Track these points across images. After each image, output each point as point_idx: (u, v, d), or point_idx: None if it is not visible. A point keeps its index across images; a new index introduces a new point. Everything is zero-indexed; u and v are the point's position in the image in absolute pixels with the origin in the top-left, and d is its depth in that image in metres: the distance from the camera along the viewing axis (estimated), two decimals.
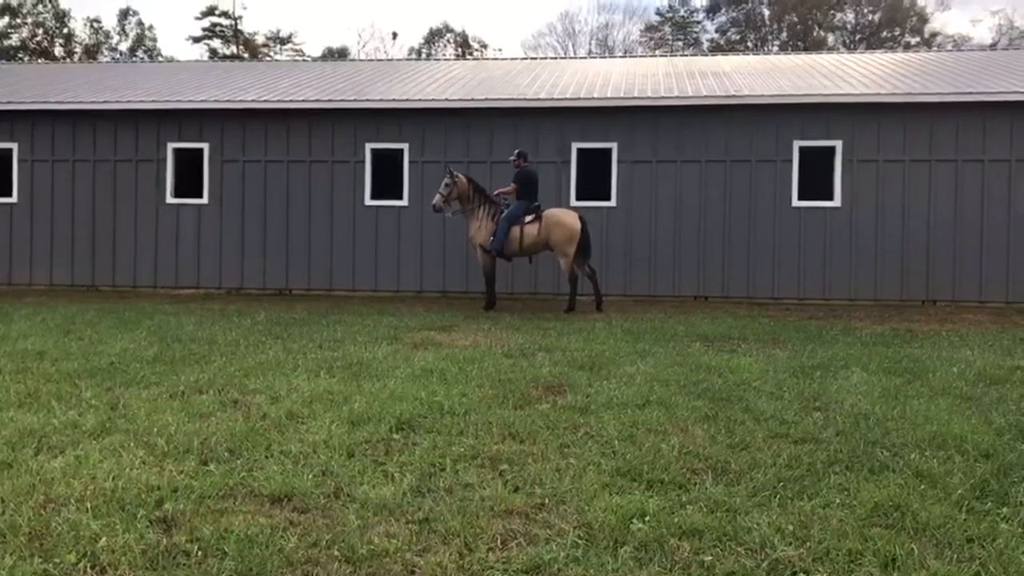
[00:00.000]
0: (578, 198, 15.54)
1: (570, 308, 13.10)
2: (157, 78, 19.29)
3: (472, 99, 15.81)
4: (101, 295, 15.57)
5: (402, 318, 11.94)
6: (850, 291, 15.06)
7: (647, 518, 3.99)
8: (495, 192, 13.76)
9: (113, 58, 61.41)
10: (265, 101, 16.21)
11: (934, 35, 57.46)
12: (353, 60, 28.25)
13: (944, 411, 6.23)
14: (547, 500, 4.32)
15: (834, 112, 15.09)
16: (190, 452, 5.05)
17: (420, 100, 15.88)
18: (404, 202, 16.00)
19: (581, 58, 26.50)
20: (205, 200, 16.43)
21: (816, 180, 15.28)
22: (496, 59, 24.65)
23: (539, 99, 15.68)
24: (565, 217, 13.25)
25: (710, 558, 3.59)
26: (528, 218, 13.19)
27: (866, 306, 14.55)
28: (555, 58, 26.33)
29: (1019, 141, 14.66)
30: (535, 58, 23.62)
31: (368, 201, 16.09)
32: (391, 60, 25.81)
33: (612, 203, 15.54)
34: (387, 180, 16.21)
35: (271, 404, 6.37)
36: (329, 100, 16.04)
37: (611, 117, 15.58)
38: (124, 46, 64.78)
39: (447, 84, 17.47)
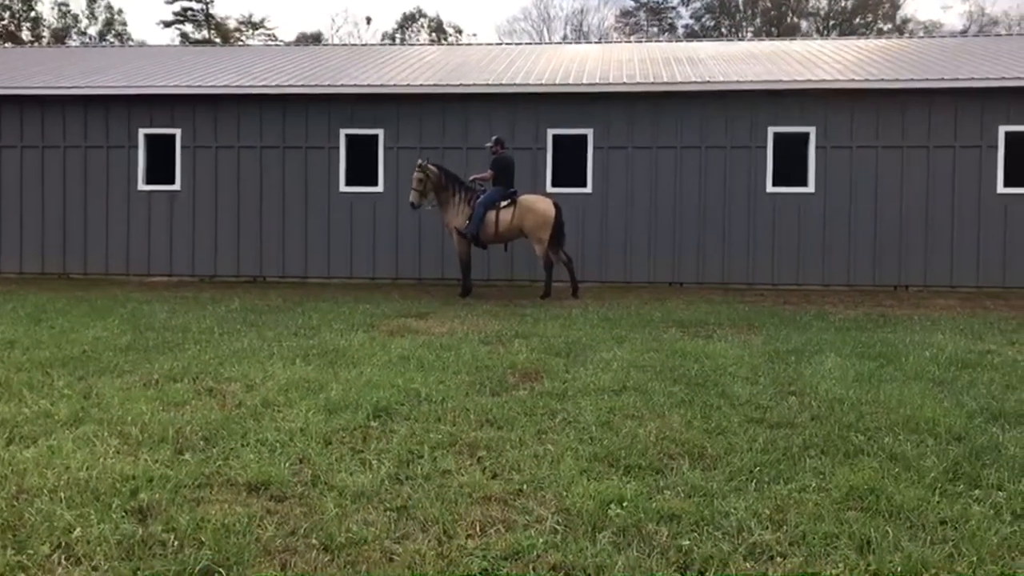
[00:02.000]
0: (554, 184, 15.52)
1: (546, 294, 13.11)
2: (128, 63, 19.02)
3: (447, 84, 15.73)
4: (72, 283, 15.39)
5: (378, 305, 11.89)
6: (823, 277, 15.17)
7: (624, 503, 4.00)
8: (471, 178, 13.71)
9: (82, 42, 60.48)
10: (238, 86, 16.04)
11: (906, 21, 57.91)
12: (327, 45, 28.01)
13: (917, 395, 6.29)
14: (525, 486, 4.32)
15: (808, 98, 15.16)
16: (165, 441, 5.00)
17: (395, 85, 15.78)
18: (379, 188, 15.91)
19: (556, 44, 26.41)
20: (177, 187, 16.26)
21: (790, 166, 15.35)
22: (471, 44, 24.54)
23: (515, 84, 15.62)
24: (539, 203, 13.23)
25: (687, 543, 3.61)
26: (503, 203, 13.17)
27: (840, 291, 14.67)
28: (530, 43, 26.24)
29: (989, 127, 14.78)
30: (510, 44, 23.52)
31: (343, 187, 15.99)
32: (365, 45, 25.61)
33: (588, 189, 15.54)
34: (362, 166, 16.11)
35: (246, 392, 6.33)
36: (303, 85, 15.90)
37: (587, 103, 15.56)
38: (93, 30, 63.89)
39: (422, 69, 17.37)
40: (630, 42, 28.33)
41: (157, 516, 3.86)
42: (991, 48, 18.44)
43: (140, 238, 16.31)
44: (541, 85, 15.54)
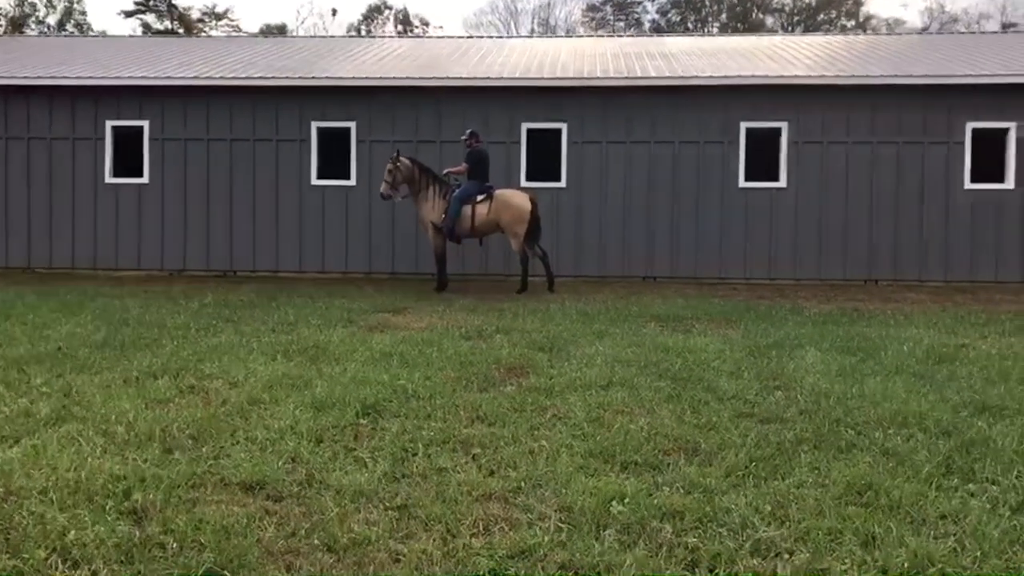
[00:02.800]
0: (528, 179, 15.48)
1: (522, 289, 13.09)
2: (94, 53, 18.68)
3: (421, 77, 15.65)
4: (38, 277, 15.09)
5: (354, 300, 11.79)
6: (795, 271, 15.29)
7: (626, 500, 3.99)
8: (444, 171, 13.64)
9: (41, 32, 59.37)
10: (208, 78, 15.81)
11: (869, 18, 58.58)
12: (296, 37, 27.73)
13: (901, 389, 6.36)
14: (523, 483, 4.30)
15: (781, 94, 15.25)
16: (152, 440, 4.91)
17: (367, 78, 15.64)
18: (352, 182, 15.78)
19: (526, 37, 26.38)
20: (146, 179, 16.00)
21: (762, 161, 15.45)
22: (441, 37, 24.41)
23: (488, 78, 15.55)
24: (515, 198, 13.20)
25: (693, 540, 3.60)
26: (479, 198, 13.11)
27: (811, 286, 14.79)
28: (500, 37, 26.15)
29: (956, 124, 14.97)
30: (480, 37, 23.40)
31: (315, 181, 15.83)
32: (334, 37, 25.34)
33: (562, 184, 15.52)
34: (334, 160, 15.96)
35: (230, 389, 6.24)
36: (274, 77, 15.72)
37: (562, 97, 15.54)
38: (52, 19, 62.76)
39: (394, 61, 17.25)
40: (601, 36, 28.35)
41: (153, 517, 3.77)
42: (958, 45, 18.69)
43: (107, 232, 16.04)
44: (516, 79, 15.49)
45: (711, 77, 15.26)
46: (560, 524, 3.76)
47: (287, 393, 6.11)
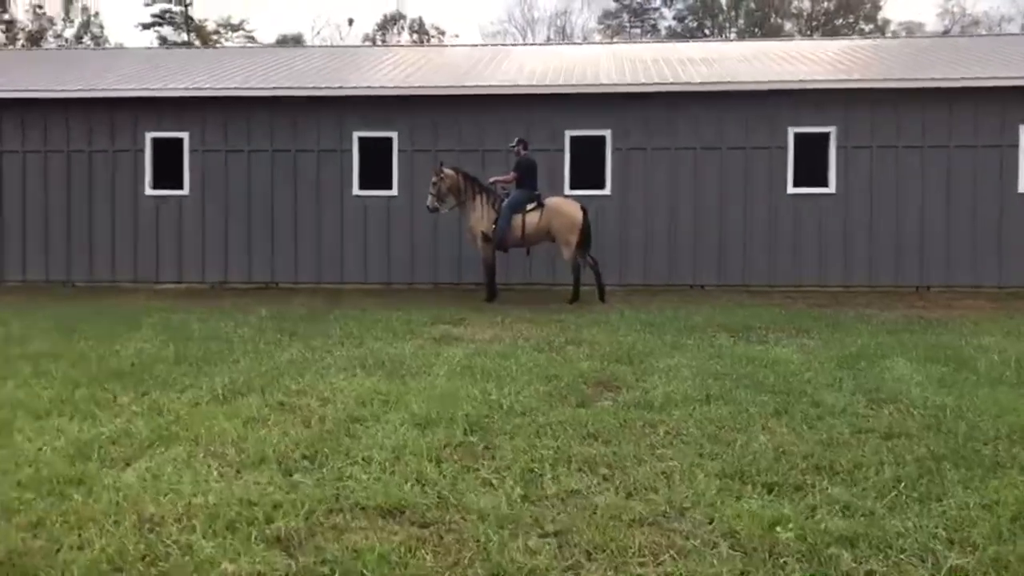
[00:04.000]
0: (572, 187, 15.29)
1: (574, 299, 12.90)
2: (128, 65, 18.61)
3: (463, 85, 15.51)
4: (80, 291, 14.99)
5: (408, 312, 11.62)
6: (845, 277, 15.05)
7: (789, 525, 3.79)
8: (491, 180, 13.47)
9: (59, 45, 59.61)
10: (248, 88, 15.72)
11: (887, 22, 58.30)
12: (325, 46, 27.62)
13: (1012, 400, 6.14)
14: (668, 507, 4.11)
15: (827, 98, 15.04)
16: (265, 461, 4.74)
17: (409, 87, 15.52)
18: (394, 192, 15.63)
19: (568, 44, 26.20)
20: (186, 191, 15.89)
21: (811, 167, 15.23)
22: (470, 46, 24.26)
23: (531, 85, 15.42)
24: (567, 206, 13.03)
25: (880, 567, 3.41)
26: (529, 207, 12.94)
27: (862, 292, 14.55)
28: (533, 44, 26.02)
29: (1010, 126, 14.73)
30: (513, 45, 23.30)
31: (356, 191, 15.69)
32: (365, 47, 25.29)
33: (607, 191, 15.34)
34: (376, 170, 15.81)
35: (323, 406, 6.07)
36: (315, 88, 15.60)
37: (605, 104, 15.37)
38: (69, 32, 63.02)
39: (431, 71, 17.13)
40: (627, 42, 28.21)
41: (302, 546, 3.60)
42: (996, 47, 18.46)
43: (148, 245, 15.92)
44: (559, 85, 15.35)
45: (758, 82, 15.07)
46: (732, 551, 3.56)
47: (383, 410, 5.93)
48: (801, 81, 15.00)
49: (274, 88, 15.68)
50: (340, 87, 15.59)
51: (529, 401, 6.23)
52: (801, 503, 4.12)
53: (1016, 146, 14.78)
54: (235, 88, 15.73)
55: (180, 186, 15.93)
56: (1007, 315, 11.61)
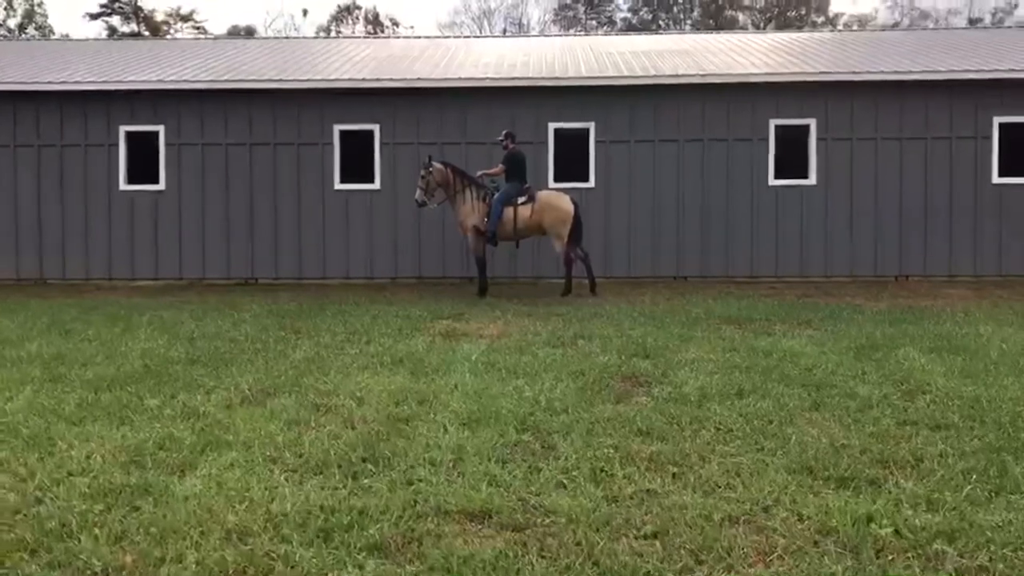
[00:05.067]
0: (556, 179, 15.25)
1: (566, 292, 12.88)
2: (96, 57, 18.13)
3: (446, 78, 15.37)
4: (55, 288, 14.59)
5: (404, 307, 11.50)
6: (826, 268, 15.24)
7: (884, 521, 3.80)
8: (479, 173, 13.38)
9: (1, 36, 57.93)
10: (226, 80, 15.41)
11: (838, 15, 59.15)
12: (297, 38, 27.18)
13: None
14: (752, 505, 4.09)
15: (808, 90, 15.18)
16: (327, 465, 4.64)
17: (391, 79, 15.33)
18: (376, 185, 15.45)
19: (548, 36, 26.10)
20: (162, 186, 15.54)
21: (792, 158, 15.38)
22: (457, 37, 24.09)
23: (515, 78, 15.33)
24: (559, 200, 12.99)
25: (994, 564, 3.42)
26: (520, 200, 12.89)
27: (844, 282, 14.74)
28: (507, 36, 25.92)
29: (984, 119, 15.02)
30: (488, 36, 23.17)
31: (338, 185, 15.48)
32: (338, 37, 25.03)
33: (590, 184, 15.33)
34: (357, 163, 15.61)
35: (359, 407, 5.96)
36: (295, 80, 15.34)
37: (588, 96, 15.35)
38: (12, 23, 61.30)
39: (410, 62, 16.94)
40: (610, 35, 28.26)
41: (403, 553, 3.52)
42: (966, 39, 18.83)
43: (123, 240, 15.55)
44: (543, 78, 15.28)
45: (741, 74, 15.17)
46: (840, 551, 3.56)
47: (422, 409, 5.84)
48: (783, 73, 15.10)
49: (253, 80, 15.40)
50: (322, 79, 15.35)
51: (566, 398, 6.19)
52: (881, 498, 4.13)
53: (990, 137, 15.07)
54: (211, 80, 15.42)
55: (156, 180, 15.57)
56: (991, 303, 11.86)
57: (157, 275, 15.57)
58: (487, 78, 15.31)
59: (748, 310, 10.94)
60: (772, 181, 15.27)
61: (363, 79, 15.31)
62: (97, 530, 3.72)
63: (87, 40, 25.89)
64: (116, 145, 15.52)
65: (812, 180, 15.26)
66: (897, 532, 3.70)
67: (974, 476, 4.41)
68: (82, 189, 15.53)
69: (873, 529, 3.73)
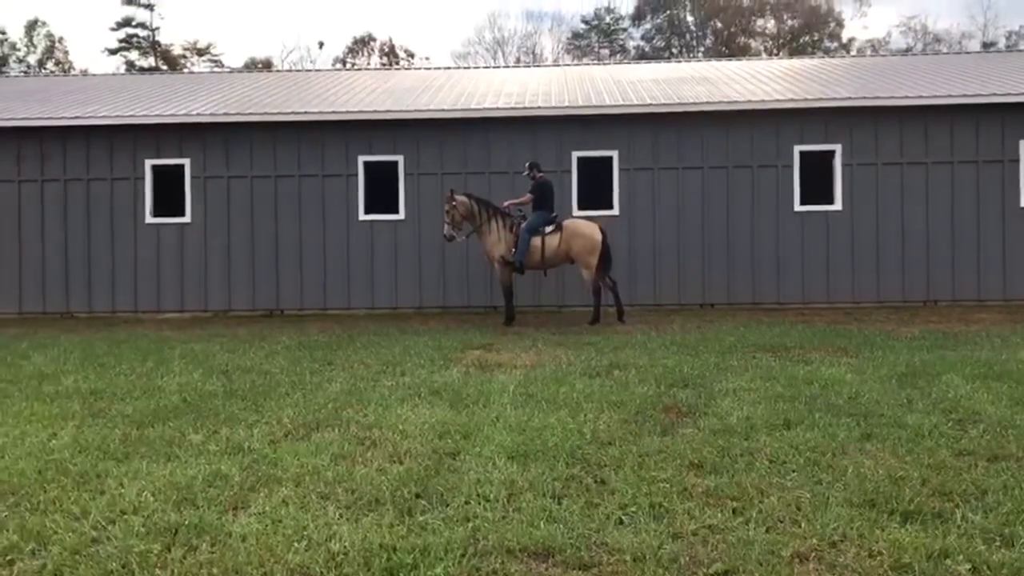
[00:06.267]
0: (580, 207, 15.26)
1: (594, 320, 12.83)
2: (120, 92, 18.32)
3: (469, 108, 15.43)
4: (82, 322, 14.64)
5: (433, 337, 11.46)
6: (853, 294, 15.14)
7: (959, 557, 3.71)
8: (506, 204, 13.38)
9: (23, 71, 58.71)
10: (251, 113, 15.51)
11: (852, 40, 59.24)
12: (318, 70, 27.39)
13: None
14: (818, 541, 4.00)
15: (831, 116, 15.17)
16: (380, 502, 4.58)
17: (415, 110, 15.41)
18: (400, 216, 15.49)
19: (561, 66, 26.24)
20: (187, 219, 15.62)
21: (817, 184, 15.33)
22: (477, 68, 24.24)
23: (538, 107, 15.39)
24: (586, 228, 12.98)
25: None
26: (548, 229, 12.88)
27: (872, 308, 14.64)
28: (527, 65, 26.07)
29: (1011, 142, 14.95)
30: (507, 67, 23.31)
31: (362, 216, 15.52)
32: (360, 69, 25.17)
33: (615, 211, 15.31)
34: (382, 194, 15.66)
35: (403, 440, 5.90)
36: (320, 112, 15.43)
37: (611, 125, 15.37)
38: (33, 58, 62.14)
39: (433, 93, 17.03)
40: (639, 63, 28.41)
41: None
42: (985, 63, 18.81)
43: (149, 273, 15.62)
44: (567, 107, 15.32)
45: (764, 101, 15.16)
46: None
47: (468, 444, 5.78)
48: (808, 100, 15.09)
49: (277, 113, 15.50)
50: (347, 112, 15.43)
51: (611, 429, 6.12)
52: (952, 532, 4.04)
53: (1017, 161, 15.00)
54: (237, 113, 15.52)
55: (182, 213, 15.65)
56: None
57: (183, 307, 15.61)
58: (510, 108, 15.37)
59: (781, 337, 10.86)
60: (797, 207, 15.22)
61: (387, 110, 15.39)
62: (159, 571, 3.67)
63: (108, 75, 26.20)
64: (142, 179, 15.63)
65: (838, 206, 15.21)
66: (974, 569, 3.61)
67: None
68: (108, 222, 15.62)
69: (949, 565, 3.65)
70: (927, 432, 5.91)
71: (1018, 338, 10.63)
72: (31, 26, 61.72)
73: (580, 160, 15.43)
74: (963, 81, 16.41)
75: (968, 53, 33.43)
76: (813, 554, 3.86)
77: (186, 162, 15.61)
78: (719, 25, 58.87)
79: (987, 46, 53.49)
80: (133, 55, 60.87)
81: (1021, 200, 14.99)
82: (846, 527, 4.14)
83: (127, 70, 56.88)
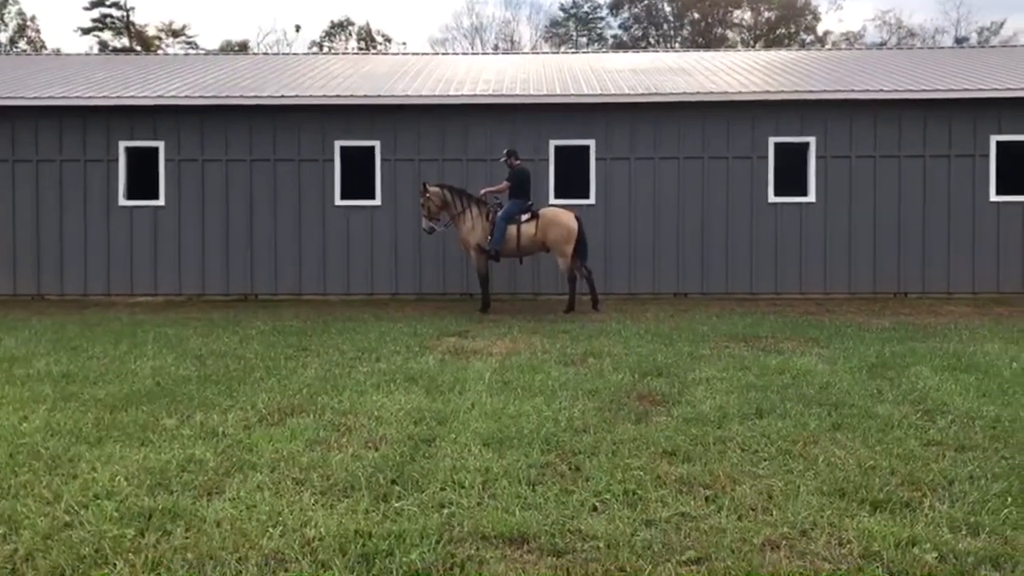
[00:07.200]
0: (556, 195, 15.27)
1: (569, 308, 12.86)
2: (95, 72, 18.09)
3: (447, 95, 15.36)
4: (53, 304, 14.48)
5: (409, 324, 11.46)
6: (825, 284, 15.28)
7: (926, 545, 3.78)
8: (483, 191, 13.38)
9: None
10: (227, 96, 15.37)
11: (828, 33, 59.58)
12: (296, 54, 27.18)
13: None
14: (789, 529, 4.07)
15: (807, 109, 15.27)
16: (355, 488, 4.60)
17: (393, 96, 15.32)
18: (377, 202, 15.43)
19: (539, 53, 26.22)
20: (162, 202, 15.47)
21: (791, 175, 15.44)
22: (456, 54, 24.15)
23: (516, 95, 15.36)
24: (562, 216, 13.00)
25: None
26: (524, 217, 12.89)
27: (843, 299, 14.78)
28: (507, 53, 26.00)
29: (982, 137, 15.12)
30: (484, 54, 23.24)
31: (338, 201, 15.45)
32: (340, 54, 25.01)
33: (591, 200, 15.34)
34: (358, 179, 15.59)
35: (378, 426, 5.92)
36: (296, 96, 15.31)
37: (589, 114, 15.38)
38: (4, 36, 61.18)
39: (412, 79, 16.95)
40: (621, 52, 28.39)
41: None
42: (958, 58, 18.99)
43: (122, 256, 15.46)
44: (545, 95, 15.31)
45: (740, 93, 15.23)
46: (891, 574, 3.53)
47: (443, 430, 5.80)
48: (784, 92, 15.17)
49: (254, 96, 15.36)
50: (324, 96, 15.33)
51: (585, 417, 6.16)
52: (920, 521, 4.12)
53: (988, 156, 15.17)
54: (213, 96, 15.38)
55: (155, 196, 15.50)
56: (993, 320, 11.91)
57: (156, 291, 15.48)
58: (488, 95, 15.33)
59: (753, 327, 10.95)
60: (772, 199, 15.32)
61: (364, 95, 15.31)
62: (133, 556, 3.67)
63: (81, 55, 25.86)
64: (116, 160, 15.45)
65: (811, 198, 15.32)
66: (941, 557, 3.69)
67: (1009, 499, 4.40)
68: (81, 204, 15.45)
69: (917, 554, 3.72)
70: (896, 422, 6.00)
71: (986, 331, 10.79)
72: (2, 4, 60.68)
73: (557, 149, 15.44)
74: (937, 76, 16.56)
75: (941, 48, 33.68)
76: (784, 542, 3.92)
77: (160, 144, 15.45)
78: (696, 16, 58.96)
79: (960, 41, 53.90)
80: (107, 35, 60.02)
81: (991, 195, 15.17)
82: (816, 515, 4.21)
83: (100, 50, 56.11)
